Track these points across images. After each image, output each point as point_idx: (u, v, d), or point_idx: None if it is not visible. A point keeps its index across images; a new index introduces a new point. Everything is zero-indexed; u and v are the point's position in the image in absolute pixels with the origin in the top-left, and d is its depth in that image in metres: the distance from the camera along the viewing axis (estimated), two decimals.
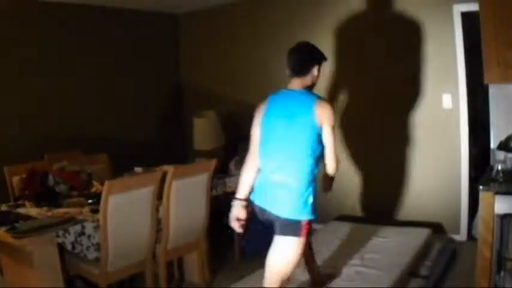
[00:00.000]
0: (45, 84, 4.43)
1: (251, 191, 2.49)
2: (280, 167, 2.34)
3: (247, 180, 2.50)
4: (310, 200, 2.36)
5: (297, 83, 2.46)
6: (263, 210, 2.40)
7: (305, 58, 2.48)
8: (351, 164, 4.61)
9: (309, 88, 2.48)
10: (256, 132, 2.52)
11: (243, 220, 2.47)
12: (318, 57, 2.50)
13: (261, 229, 4.16)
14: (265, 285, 2.43)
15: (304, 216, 2.31)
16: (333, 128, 2.35)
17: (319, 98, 2.40)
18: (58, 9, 4.48)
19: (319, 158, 2.40)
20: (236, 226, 2.47)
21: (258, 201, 2.42)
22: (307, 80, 2.47)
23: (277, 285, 2.40)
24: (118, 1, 4.74)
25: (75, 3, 4.54)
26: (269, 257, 2.43)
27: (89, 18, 4.77)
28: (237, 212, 2.46)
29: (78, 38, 4.69)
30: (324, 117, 2.31)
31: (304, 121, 2.32)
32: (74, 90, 4.67)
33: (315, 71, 2.47)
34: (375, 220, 3.98)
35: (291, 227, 2.31)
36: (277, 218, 2.33)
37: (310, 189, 2.36)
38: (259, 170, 2.47)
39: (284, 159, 2.34)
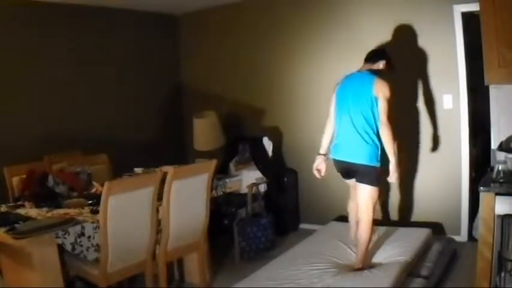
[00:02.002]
0: (44, 85, 4.42)
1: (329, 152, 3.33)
2: (352, 130, 3.08)
3: (326, 139, 3.38)
4: (378, 152, 3.07)
5: (365, 67, 3.28)
6: (344, 162, 3.15)
7: (376, 52, 3.37)
8: None
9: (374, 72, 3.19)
10: (332, 104, 3.33)
11: (322, 171, 3.34)
12: (386, 56, 3.32)
13: (258, 231, 4.20)
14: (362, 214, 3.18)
15: (376, 163, 3.07)
16: (387, 100, 3.03)
17: (378, 77, 3.10)
18: (58, 9, 4.47)
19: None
20: (317, 174, 3.36)
21: (340, 156, 3.18)
22: (374, 67, 3.26)
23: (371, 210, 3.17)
24: (118, 1, 4.73)
25: (75, 3, 4.53)
26: (358, 197, 3.20)
27: (88, 18, 4.76)
28: (318, 164, 3.35)
29: (77, 38, 4.69)
30: (379, 90, 3.04)
31: (366, 92, 3.06)
32: (74, 91, 4.66)
33: (381, 64, 3.27)
34: (375, 220, 3.97)
35: (367, 174, 3.07)
36: (356, 164, 3.08)
37: (377, 145, 3.07)
38: (335, 133, 3.27)
39: (355, 124, 3.08)
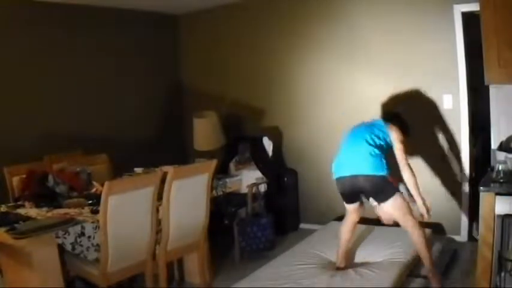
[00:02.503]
0: (45, 85, 4.42)
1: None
2: (355, 145, 3.04)
3: None
4: (383, 161, 2.96)
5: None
6: (350, 178, 2.96)
7: (393, 115, 3.33)
8: None
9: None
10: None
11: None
12: (400, 119, 3.24)
13: (258, 231, 4.19)
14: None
15: (383, 172, 2.93)
16: (401, 142, 3.05)
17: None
18: (58, 9, 4.47)
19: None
20: None
21: (344, 172, 3.01)
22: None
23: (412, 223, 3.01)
24: (118, 1, 4.73)
25: (75, 3, 4.53)
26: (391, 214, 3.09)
27: (89, 18, 4.76)
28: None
29: (78, 38, 4.68)
30: (393, 131, 3.07)
31: (375, 125, 3.12)
32: (74, 90, 4.66)
33: (397, 122, 3.18)
34: (375, 220, 3.98)
35: (380, 187, 2.92)
36: (364, 176, 2.90)
37: (381, 155, 2.98)
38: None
39: (358, 139, 3.05)
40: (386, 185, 2.94)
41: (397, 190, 2.98)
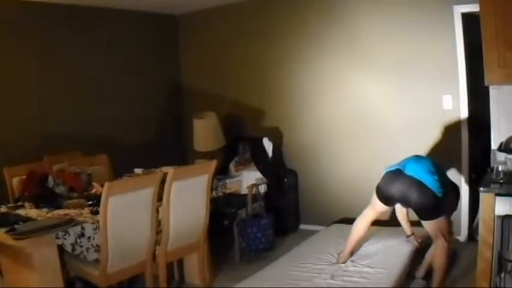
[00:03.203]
0: (44, 85, 4.43)
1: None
2: (421, 157, 3.11)
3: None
4: (441, 184, 2.87)
5: None
6: (408, 179, 2.86)
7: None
8: (351, 165, 4.60)
9: None
10: None
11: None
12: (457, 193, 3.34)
13: (258, 232, 4.18)
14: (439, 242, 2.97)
15: (439, 193, 2.84)
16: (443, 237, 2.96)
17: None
18: (58, 9, 4.47)
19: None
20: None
21: (406, 168, 2.92)
22: None
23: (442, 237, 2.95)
24: (118, 1, 4.74)
25: (75, 4, 4.54)
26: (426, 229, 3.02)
27: (89, 18, 4.76)
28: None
29: (77, 39, 4.69)
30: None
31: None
32: (74, 91, 4.67)
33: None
34: (375, 220, 3.98)
35: (428, 205, 2.84)
36: (421, 185, 2.81)
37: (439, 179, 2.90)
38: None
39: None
40: (437, 206, 2.88)
41: (443, 214, 2.95)
